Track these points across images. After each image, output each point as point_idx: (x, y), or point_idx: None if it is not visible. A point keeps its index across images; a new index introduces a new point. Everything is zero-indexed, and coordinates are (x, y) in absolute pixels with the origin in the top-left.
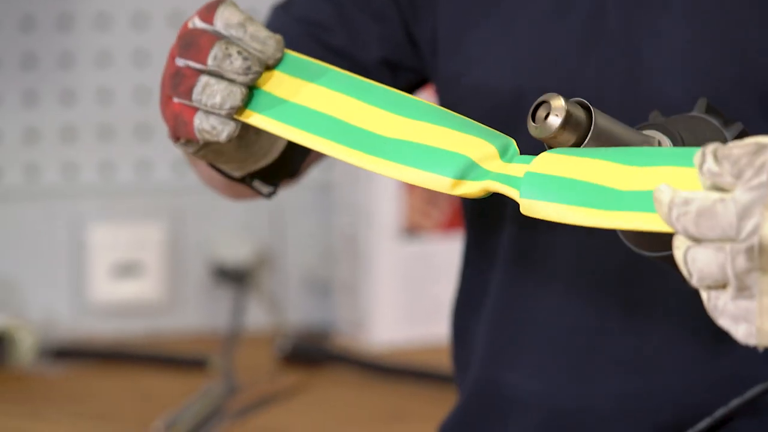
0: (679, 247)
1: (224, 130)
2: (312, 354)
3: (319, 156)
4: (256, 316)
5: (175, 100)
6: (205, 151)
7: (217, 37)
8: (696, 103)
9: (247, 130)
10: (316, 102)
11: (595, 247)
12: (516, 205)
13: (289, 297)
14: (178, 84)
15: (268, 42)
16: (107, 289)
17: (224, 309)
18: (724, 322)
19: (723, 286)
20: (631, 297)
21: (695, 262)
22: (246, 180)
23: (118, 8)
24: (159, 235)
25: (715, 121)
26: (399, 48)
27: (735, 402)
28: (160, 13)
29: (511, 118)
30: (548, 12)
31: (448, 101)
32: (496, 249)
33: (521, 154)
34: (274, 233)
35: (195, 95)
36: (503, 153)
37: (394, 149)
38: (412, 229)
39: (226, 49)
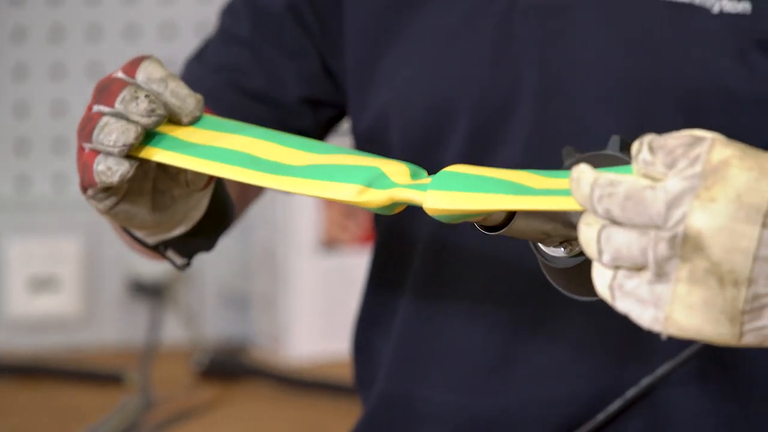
0: (591, 224)
1: (118, 171)
2: (230, 368)
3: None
4: (174, 331)
5: (85, 147)
6: (116, 211)
7: (130, 83)
8: (609, 140)
9: (162, 195)
10: (225, 143)
11: (505, 260)
12: (429, 219)
13: (206, 311)
14: (84, 128)
15: (188, 100)
16: (23, 303)
17: (141, 323)
18: (625, 304)
19: (637, 269)
20: (541, 307)
21: (611, 241)
22: (159, 249)
23: (35, 21)
24: (75, 249)
25: (593, 153)
26: (318, 84)
27: (645, 380)
28: (77, 27)
29: (425, 142)
30: (455, 30)
31: (360, 130)
32: (407, 264)
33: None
34: None
35: (94, 135)
36: (414, 174)
37: (302, 170)
38: (329, 243)
39: (135, 92)
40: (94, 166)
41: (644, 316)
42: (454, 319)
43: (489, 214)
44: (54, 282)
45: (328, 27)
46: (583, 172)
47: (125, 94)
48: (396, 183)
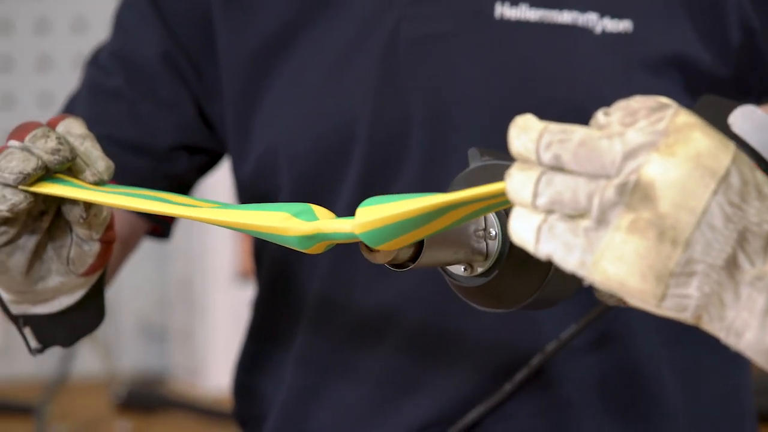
0: (528, 169)
1: (11, 200)
2: (147, 400)
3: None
4: (91, 363)
5: None
6: None
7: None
8: (469, 156)
9: (38, 258)
10: (133, 191)
11: (398, 301)
12: (324, 260)
13: (123, 343)
14: None
15: (99, 162)
16: None
17: (57, 355)
18: (550, 246)
19: (572, 216)
20: (435, 336)
21: (552, 185)
22: (18, 322)
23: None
24: None
25: (497, 161)
26: (194, 132)
27: (551, 345)
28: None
29: (317, 178)
30: (337, 65)
31: (245, 174)
32: (294, 315)
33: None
34: None
35: None
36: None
37: (222, 207)
38: (246, 274)
39: (47, 132)
40: None
41: (569, 259)
42: (342, 368)
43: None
44: None
45: (204, 73)
46: (530, 119)
47: (38, 131)
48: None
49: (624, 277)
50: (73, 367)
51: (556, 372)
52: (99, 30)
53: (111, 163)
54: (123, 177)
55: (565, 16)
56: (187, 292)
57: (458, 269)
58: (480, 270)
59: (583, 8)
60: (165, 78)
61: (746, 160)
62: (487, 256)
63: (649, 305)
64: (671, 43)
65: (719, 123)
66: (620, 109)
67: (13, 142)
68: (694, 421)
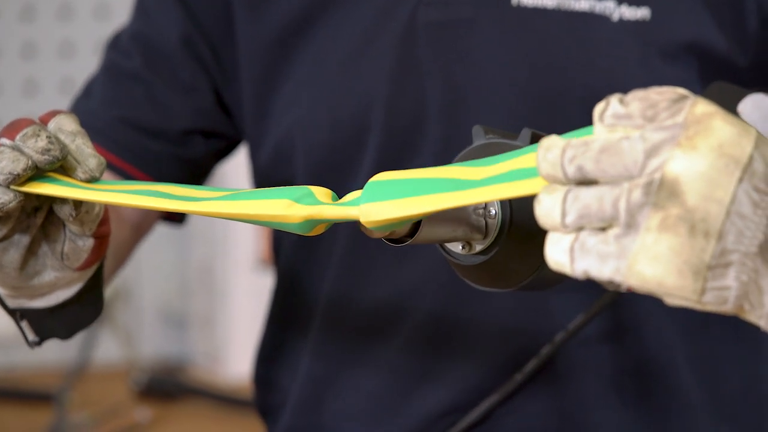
0: (554, 191)
1: (1, 198)
2: (168, 388)
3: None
4: (112, 350)
5: None
6: None
7: (37, 124)
8: (473, 133)
9: (33, 254)
10: (129, 187)
11: (410, 290)
12: (339, 249)
13: (144, 330)
14: None
15: (90, 159)
16: None
17: (78, 342)
18: (584, 263)
19: (602, 228)
20: (449, 326)
21: (579, 200)
22: (15, 316)
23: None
24: None
25: (500, 140)
26: (212, 117)
27: (559, 336)
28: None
29: (333, 164)
30: (354, 50)
31: (262, 160)
32: (309, 308)
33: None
34: (129, 265)
35: None
36: (334, 198)
37: (222, 198)
38: (267, 260)
39: (38, 131)
40: None
41: (604, 270)
42: (357, 358)
43: (430, 215)
44: None
45: (223, 59)
46: (555, 139)
47: (28, 130)
48: (322, 202)
49: (661, 276)
50: (93, 354)
51: (568, 363)
52: (121, 16)
53: (103, 160)
54: (137, 159)
55: (582, 4)
56: (208, 279)
57: (456, 247)
58: (479, 248)
59: None
60: (184, 62)
61: None
62: (486, 234)
63: (689, 302)
64: (689, 31)
65: (727, 111)
66: (638, 99)
67: (4, 141)
68: (715, 411)
